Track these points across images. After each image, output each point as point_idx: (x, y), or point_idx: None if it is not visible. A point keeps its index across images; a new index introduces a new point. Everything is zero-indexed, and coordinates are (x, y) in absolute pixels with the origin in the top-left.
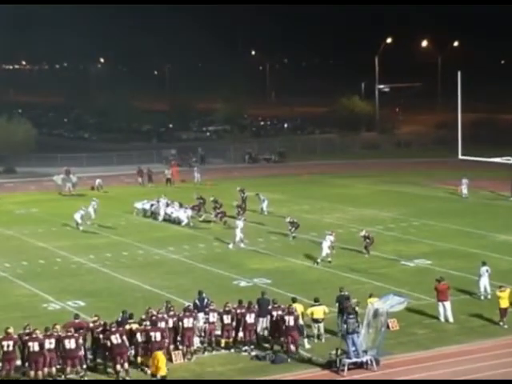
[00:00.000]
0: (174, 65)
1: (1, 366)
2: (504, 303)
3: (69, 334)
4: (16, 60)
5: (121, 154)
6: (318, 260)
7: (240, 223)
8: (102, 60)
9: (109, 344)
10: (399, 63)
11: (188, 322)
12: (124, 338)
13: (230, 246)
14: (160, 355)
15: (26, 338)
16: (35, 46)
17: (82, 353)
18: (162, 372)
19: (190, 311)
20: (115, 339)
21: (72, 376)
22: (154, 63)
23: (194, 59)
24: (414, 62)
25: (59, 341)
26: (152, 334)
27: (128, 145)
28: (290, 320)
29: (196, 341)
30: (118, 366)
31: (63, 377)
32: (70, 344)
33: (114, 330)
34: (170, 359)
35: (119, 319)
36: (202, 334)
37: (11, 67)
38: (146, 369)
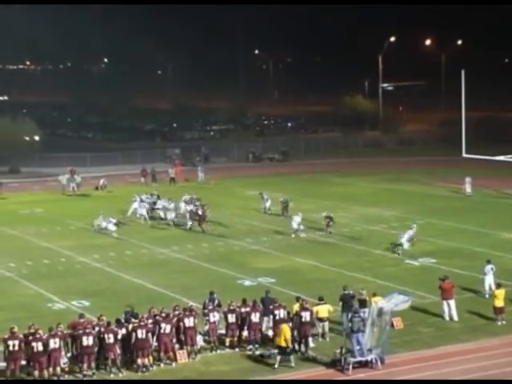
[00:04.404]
0: (178, 64)
1: (6, 366)
2: (499, 302)
3: (87, 330)
4: (20, 60)
5: (125, 154)
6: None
7: (297, 218)
8: (105, 60)
9: (133, 338)
10: (403, 62)
11: (189, 322)
12: (149, 334)
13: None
14: (286, 328)
15: (30, 338)
16: (39, 45)
17: (96, 350)
18: (283, 343)
19: (191, 310)
20: (141, 334)
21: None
22: (158, 63)
23: (198, 59)
24: (417, 60)
25: (77, 337)
26: (162, 325)
27: (132, 144)
28: (306, 316)
29: (199, 339)
30: (139, 360)
31: (66, 376)
32: (88, 341)
33: (142, 324)
34: (174, 358)
35: (122, 319)
36: (207, 334)
37: (15, 67)
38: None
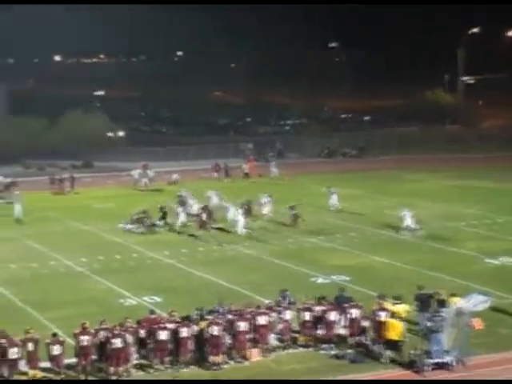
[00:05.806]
0: (252, 58)
1: (77, 361)
2: None
3: (161, 325)
4: (94, 54)
5: (198, 148)
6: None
7: (409, 214)
8: (179, 53)
9: (208, 335)
10: (484, 54)
11: (261, 320)
12: (223, 331)
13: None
14: (397, 323)
15: (109, 334)
16: (112, 39)
17: (169, 346)
18: (395, 337)
19: (269, 308)
20: (214, 331)
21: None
22: (231, 56)
23: (272, 52)
24: (500, 52)
25: (151, 333)
26: (239, 323)
27: (205, 138)
28: (382, 315)
29: (272, 338)
30: (211, 358)
31: (133, 372)
32: (162, 336)
33: (217, 321)
34: (247, 357)
35: (194, 316)
36: (280, 332)
37: (90, 61)
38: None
